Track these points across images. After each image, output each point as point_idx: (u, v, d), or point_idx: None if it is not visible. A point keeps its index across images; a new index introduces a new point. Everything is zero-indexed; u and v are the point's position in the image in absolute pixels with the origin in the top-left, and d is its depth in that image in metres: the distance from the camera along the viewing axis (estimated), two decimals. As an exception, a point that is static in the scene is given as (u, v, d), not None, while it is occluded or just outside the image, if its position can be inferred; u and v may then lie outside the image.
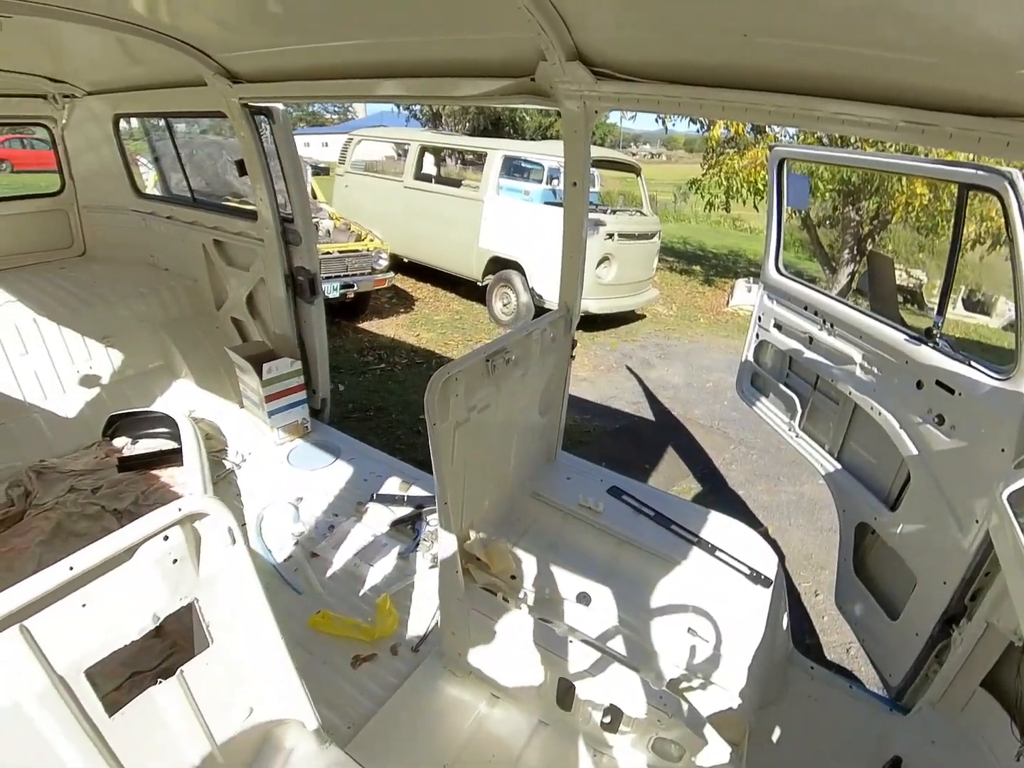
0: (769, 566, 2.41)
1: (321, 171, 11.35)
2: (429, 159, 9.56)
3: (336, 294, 7.51)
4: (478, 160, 10.41)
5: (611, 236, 7.79)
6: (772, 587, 2.31)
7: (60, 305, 4.14)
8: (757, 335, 3.70)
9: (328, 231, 7.84)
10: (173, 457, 3.66)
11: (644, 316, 9.74)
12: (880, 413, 2.47)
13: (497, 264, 8.36)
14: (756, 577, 2.33)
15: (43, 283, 4.46)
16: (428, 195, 9.04)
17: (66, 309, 4.12)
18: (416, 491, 3.45)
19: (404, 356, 7.29)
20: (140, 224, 4.92)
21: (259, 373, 3.74)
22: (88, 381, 4.05)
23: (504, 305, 8.42)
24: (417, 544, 3.04)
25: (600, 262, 7.81)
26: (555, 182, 9.62)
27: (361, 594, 2.75)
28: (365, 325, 8.34)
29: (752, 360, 3.80)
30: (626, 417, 6.40)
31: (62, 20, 2.68)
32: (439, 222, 8.85)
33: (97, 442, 3.87)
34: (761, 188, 9.60)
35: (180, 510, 1.32)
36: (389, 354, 7.30)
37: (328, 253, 7.43)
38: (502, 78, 2.31)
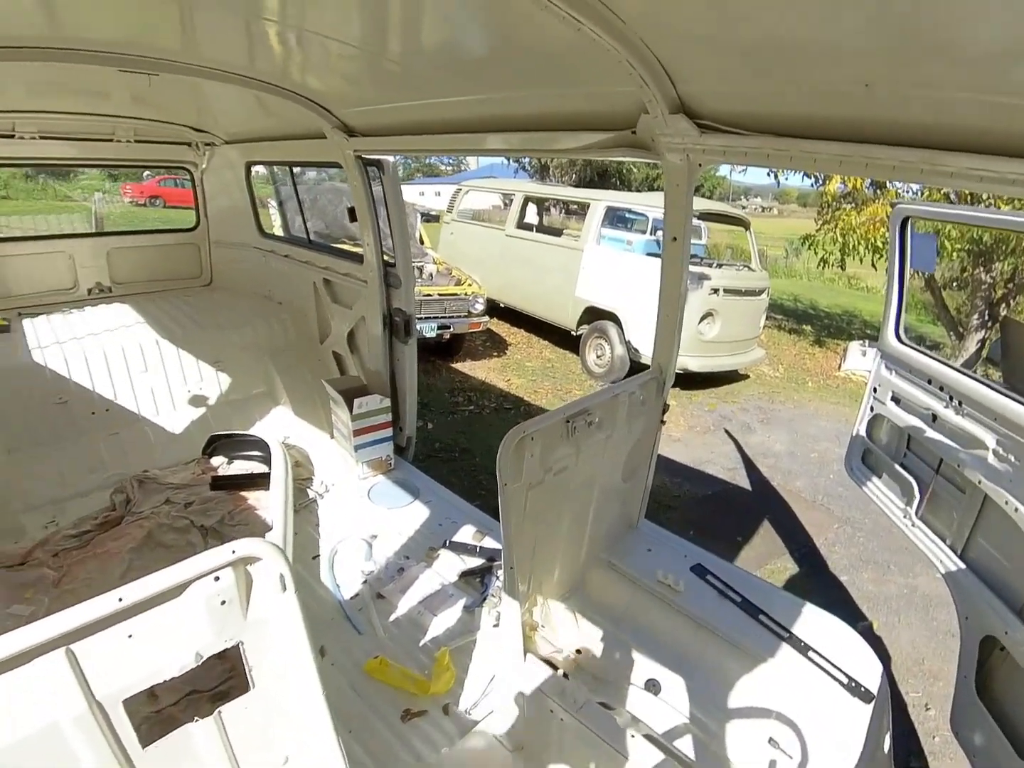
0: (872, 676, 2.09)
1: (432, 218, 11.88)
2: (532, 209, 9.73)
3: (433, 334, 7.70)
4: (580, 210, 10.50)
5: (716, 291, 7.52)
6: (874, 702, 2.00)
7: (180, 329, 4.46)
8: (872, 408, 3.37)
9: (431, 274, 8.10)
10: (261, 481, 3.77)
11: (747, 376, 9.29)
12: (1017, 509, 2.13)
13: (593, 314, 8.28)
14: (855, 688, 2.02)
15: (171, 307, 4.84)
16: (528, 243, 9.19)
17: (185, 333, 4.43)
18: (490, 543, 3.34)
19: (493, 400, 7.30)
20: (260, 260, 5.27)
21: (350, 407, 3.82)
22: (196, 401, 4.29)
23: (598, 356, 8.30)
24: (484, 599, 2.92)
25: (703, 317, 7.55)
26: (659, 233, 9.53)
27: (421, 644, 2.66)
28: (458, 365, 8.48)
29: (865, 435, 3.46)
30: (719, 483, 6.03)
31: (204, 78, 2.93)
32: (537, 270, 8.94)
33: (196, 459, 4.07)
34: (880, 246, 9.03)
35: (234, 552, 1.30)
36: (479, 396, 7.34)
37: (429, 295, 7.67)
38: (603, 131, 2.27)
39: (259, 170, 5.47)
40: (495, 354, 9.19)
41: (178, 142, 5.05)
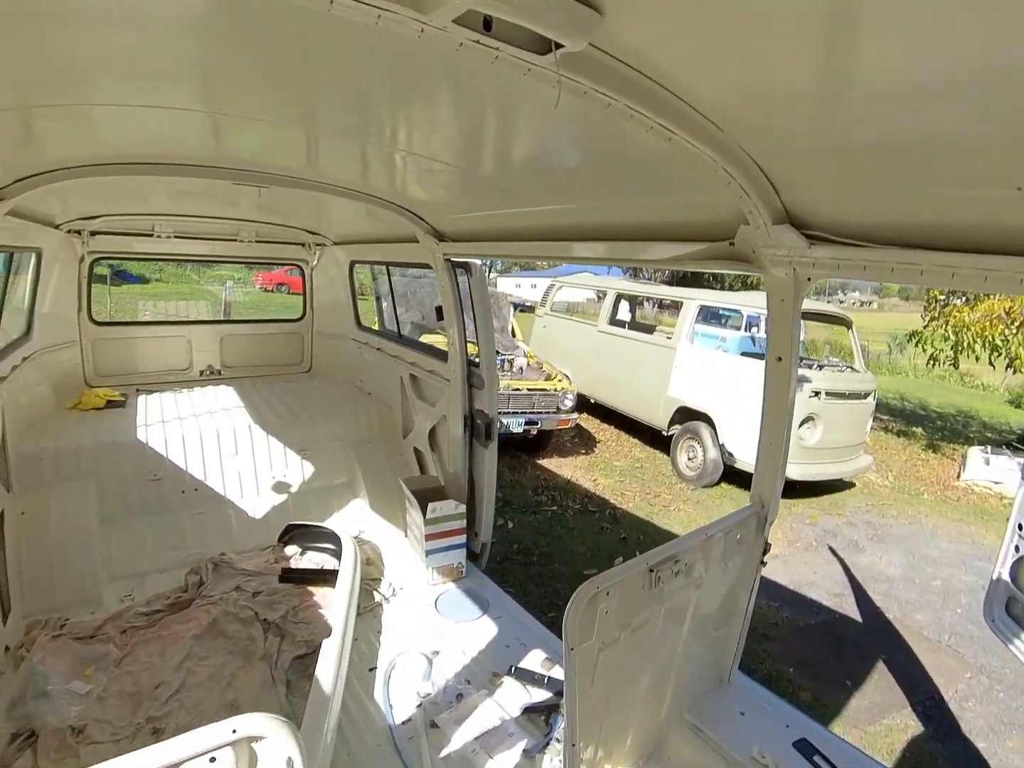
0: None
1: (527, 308, 12.02)
2: (624, 306, 9.65)
3: (520, 429, 7.56)
4: (673, 308, 10.30)
5: (817, 394, 6.97)
6: None
7: (275, 416, 4.57)
8: (1017, 548, 2.81)
9: (521, 368, 8.06)
10: (330, 578, 3.64)
11: (853, 485, 8.41)
12: None
13: (685, 415, 7.88)
14: None
15: (269, 393, 5.01)
16: (620, 340, 9.03)
17: (279, 420, 4.52)
18: (559, 673, 2.99)
19: (577, 501, 6.96)
20: (356, 352, 5.42)
21: (424, 510, 3.67)
22: (279, 487, 4.30)
23: (689, 459, 7.82)
24: (547, 743, 2.56)
25: (803, 422, 6.97)
26: (754, 329, 9.08)
27: (472, 792, 2.33)
28: (544, 462, 8.23)
29: (1009, 580, 2.87)
30: (824, 611, 5.29)
31: (318, 192, 3.08)
32: (629, 367, 8.72)
33: (272, 546, 4.02)
34: (1000, 344, 8.23)
35: (234, 732, 1.11)
36: (563, 496, 7.03)
37: (517, 389, 7.60)
38: (698, 242, 2.10)
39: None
40: (583, 451, 8.90)
41: (293, 242, 5.41)
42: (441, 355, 4.15)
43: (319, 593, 3.59)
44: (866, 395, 7.65)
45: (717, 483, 7.61)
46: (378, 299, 5.64)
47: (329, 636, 3.03)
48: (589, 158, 1.95)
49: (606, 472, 8.03)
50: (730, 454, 7.28)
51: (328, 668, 2.78)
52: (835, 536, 6.71)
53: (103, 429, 4.13)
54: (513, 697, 2.83)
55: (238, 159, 2.81)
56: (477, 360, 3.89)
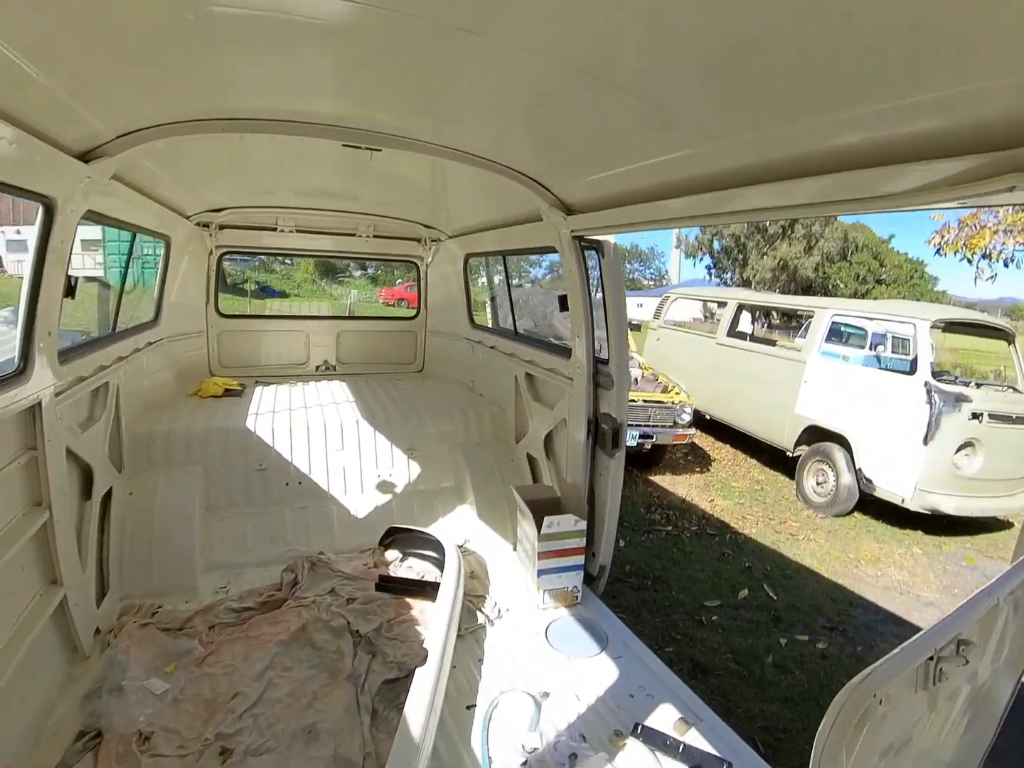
0: None
1: (634, 327, 11.18)
2: (745, 317, 8.52)
3: (634, 443, 6.78)
4: (793, 322, 9.10)
5: (978, 416, 5.66)
6: None
7: (383, 412, 4.15)
8: None
9: (636, 379, 7.30)
10: (430, 591, 3.11)
11: (1011, 525, 6.78)
12: None
13: (815, 435, 6.75)
14: None
15: (380, 390, 4.62)
16: (741, 352, 7.95)
17: (386, 416, 4.10)
18: (696, 738, 2.24)
19: (694, 522, 6.06)
20: (468, 351, 4.94)
21: (538, 524, 3.04)
22: (383, 487, 3.85)
23: (818, 483, 6.67)
24: None
25: (961, 448, 5.70)
26: (879, 348, 8.02)
27: None
28: (657, 478, 7.37)
29: None
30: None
31: (425, 153, 2.58)
32: (750, 382, 7.66)
33: (372, 548, 3.56)
34: None
35: None
36: (678, 516, 6.16)
37: (633, 401, 6.83)
38: (962, 156, 1.32)
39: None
40: (698, 469, 7.92)
41: (409, 238, 5.04)
42: (563, 352, 3.53)
43: (418, 607, 3.05)
44: None
45: (850, 512, 6.41)
46: (492, 298, 5.13)
47: (424, 663, 2.47)
48: (823, 40, 1.21)
49: (724, 493, 7.04)
50: (868, 480, 6.08)
51: (420, 702, 2.21)
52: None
53: (216, 416, 3.87)
54: (639, 765, 2.13)
55: (353, 118, 2.37)
56: (605, 357, 3.24)
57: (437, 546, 3.39)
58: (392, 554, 3.52)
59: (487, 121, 2.35)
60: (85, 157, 2.16)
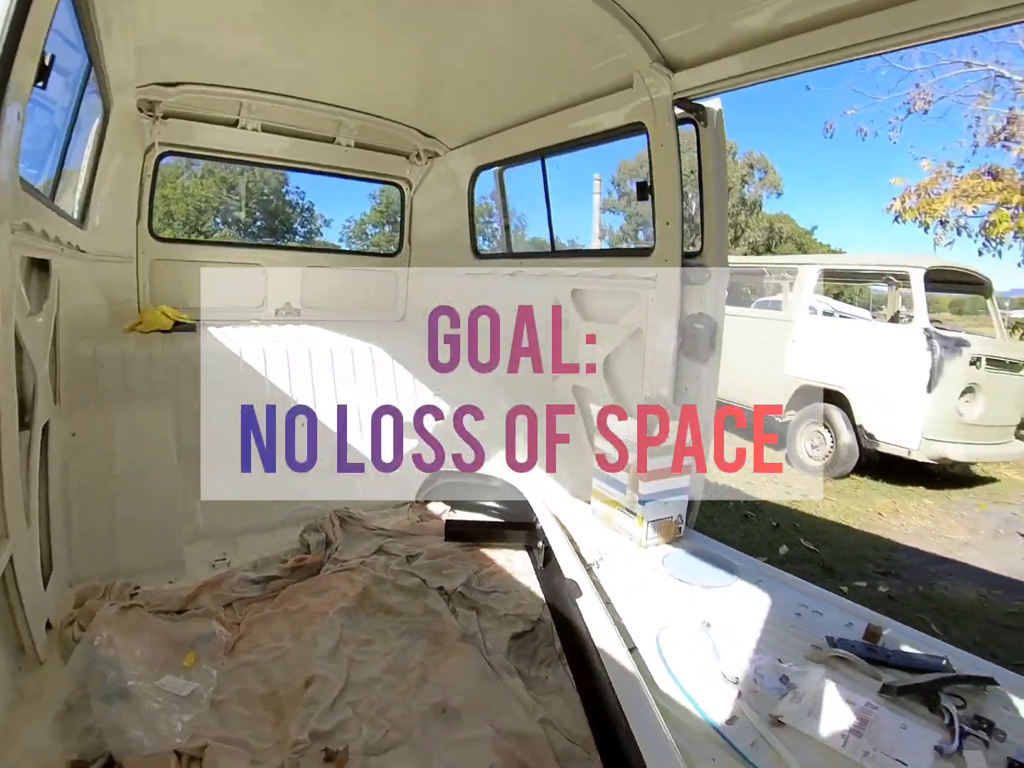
0: None
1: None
2: None
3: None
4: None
5: (976, 361, 5.91)
6: None
7: (395, 343, 3.50)
8: None
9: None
10: (512, 534, 2.56)
11: (996, 480, 7.03)
12: None
13: (806, 396, 6.78)
14: None
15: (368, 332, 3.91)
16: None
17: (394, 346, 3.45)
18: (892, 644, 1.99)
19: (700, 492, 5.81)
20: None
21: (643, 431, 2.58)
22: (409, 431, 3.20)
23: (813, 447, 6.69)
24: (963, 735, 1.55)
25: (963, 393, 5.91)
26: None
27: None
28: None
29: None
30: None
31: None
32: (732, 346, 7.52)
33: (409, 503, 2.92)
34: None
35: None
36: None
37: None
38: None
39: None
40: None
41: (397, 151, 4.40)
42: (637, 252, 3.12)
43: (501, 556, 2.48)
44: (1022, 367, 6.57)
45: (848, 475, 6.46)
46: (505, 218, 4.45)
47: (579, 594, 1.97)
48: None
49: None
50: (870, 436, 6.16)
51: (606, 632, 1.77)
52: (1019, 524, 5.54)
53: (178, 344, 3.05)
54: (854, 675, 1.83)
55: None
56: (695, 250, 2.86)
57: (497, 490, 2.83)
58: (437, 507, 2.92)
59: None
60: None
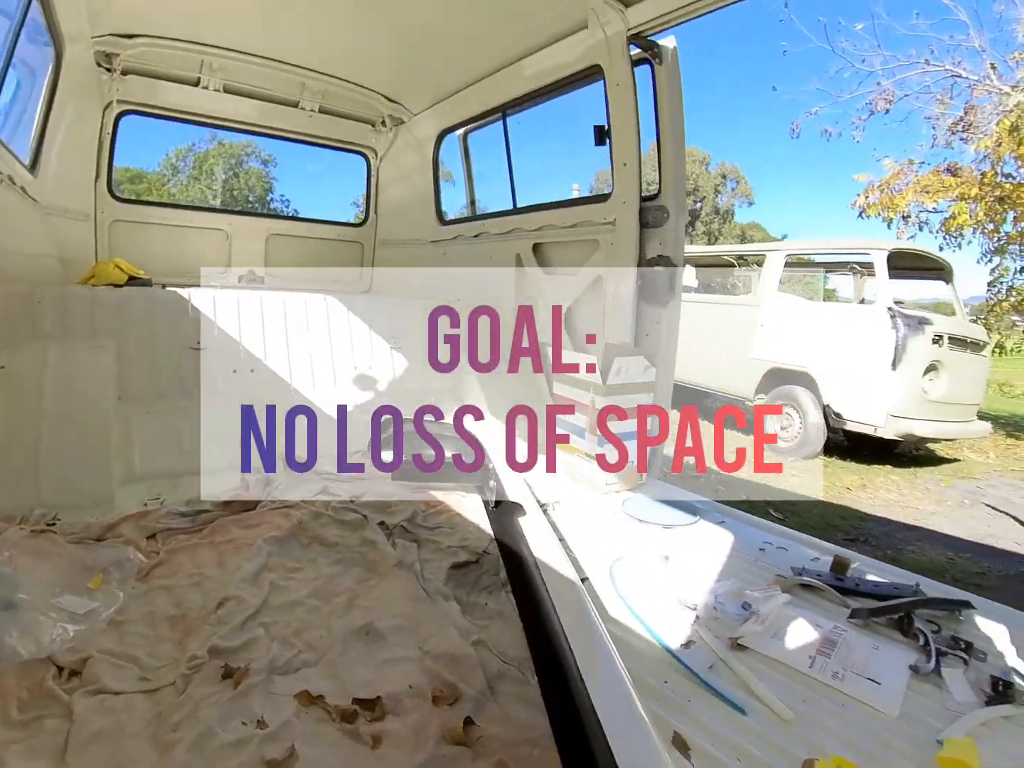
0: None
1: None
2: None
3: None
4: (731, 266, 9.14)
5: (939, 340, 5.82)
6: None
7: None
8: None
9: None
10: (463, 475, 2.38)
11: (956, 460, 6.96)
12: None
13: (775, 379, 6.68)
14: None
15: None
16: (688, 305, 7.74)
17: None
18: (861, 572, 1.84)
19: (666, 465, 5.65)
20: (435, 256, 4.17)
21: (604, 373, 2.42)
22: (363, 382, 3.04)
23: (783, 428, 6.57)
24: (938, 654, 1.40)
25: (927, 371, 5.81)
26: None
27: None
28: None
29: None
30: (1025, 559, 4.12)
31: None
32: (701, 333, 7.44)
33: (359, 451, 2.73)
34: None
35: None
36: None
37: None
38: None
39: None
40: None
41: (362, 119, 4.24)
42: (593, 200, 2.98)
43: (451, 499, 2.30)
44: (983, 347, 6.52)
45: (816, 456, 6.34)
46: (469, 180, 4.29)
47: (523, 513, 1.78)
48: None
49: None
50: (837, 415, 6.04)
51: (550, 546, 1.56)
52: (983, 496, 5.45)
53: (127, 292, 2.86)
54: (820, 601, 1.68)
55: None
56: (654, 192, 2.72)
57: (455, 439, 2.65)
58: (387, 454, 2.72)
59: None
60: None
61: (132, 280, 3.31)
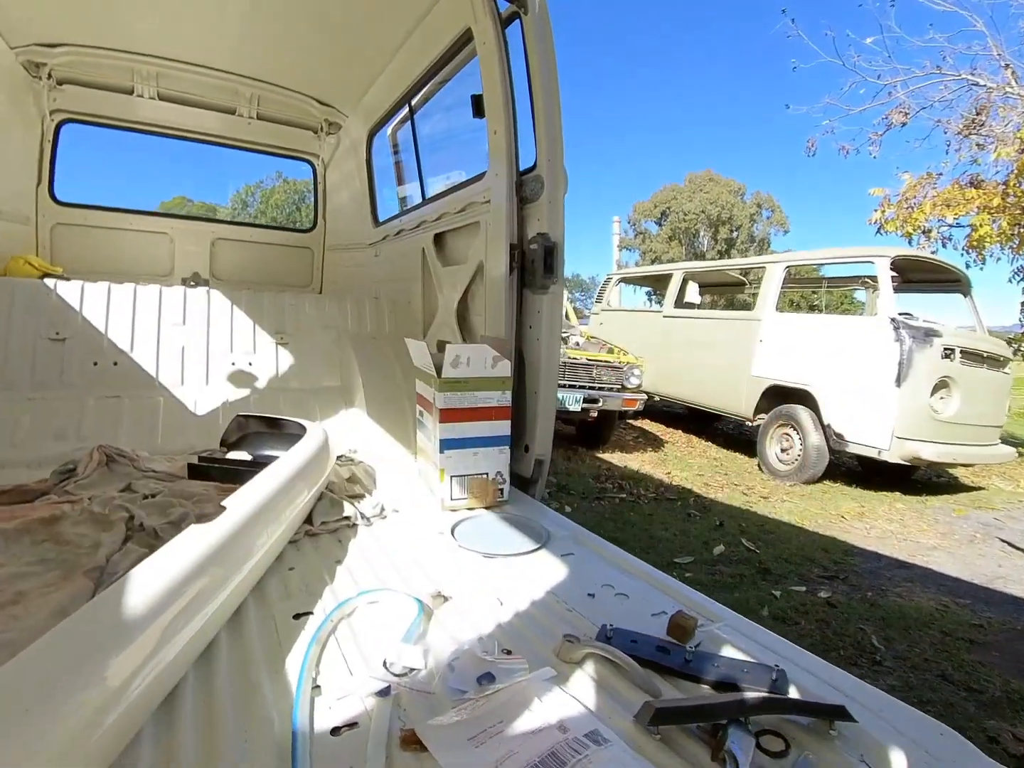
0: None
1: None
2: (693, 288, 7.75)
3: (577, 407, 5.78)
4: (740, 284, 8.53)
5: (950, 354, 4.98)
6: None
7: (245, 289, 3.05)
8: None
9: (578, 343, 6.41)
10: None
11: (982, 488, 5.94)
12: None
13: (776, 397, 5.95)
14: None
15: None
16: (690, 322, 7.15)
17: (248, 295, 3.00)
18: (712, 637, 1.22)
19: (651, 489, 5.06)
20: (372, 259, 3.90)
21: (439, 368, 1.99)
22: (239, 379, 2.71)
23: (783, 450, 5.82)
24: None
25: (936, 389, 4.97)
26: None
27: None
28: (606, 456, 6.36)
29: None
30: (1041, 609, 3.26)
31: None
32: (702, 351, 6.84)
33: (211, 450, 2.41)
34: None
35: None
36: (633, 485, 5.13)
37: (574, 359, 5.92)
38: None
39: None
40: (650, 450, 6.91)
41: (303, 125, 4.04)
42: (476, 179, 2.59)
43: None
44: (1004, 363, 5.58)
45: (819, 480, 5.56)
46: (398, 174, 3.99)
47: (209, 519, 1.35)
48: None
49: (681, 467, 6.09)
50: (838, 437, 5.27)
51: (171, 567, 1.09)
52: (999, 530, 4.54)
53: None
54: (620, 683, 1.07)
55: None
56: (530, 165, 2.31)
57: (294, 431, 2.28)
58: (240, 455, 2.38)
59: None
60: None
61: (47, 278, 3.18)
